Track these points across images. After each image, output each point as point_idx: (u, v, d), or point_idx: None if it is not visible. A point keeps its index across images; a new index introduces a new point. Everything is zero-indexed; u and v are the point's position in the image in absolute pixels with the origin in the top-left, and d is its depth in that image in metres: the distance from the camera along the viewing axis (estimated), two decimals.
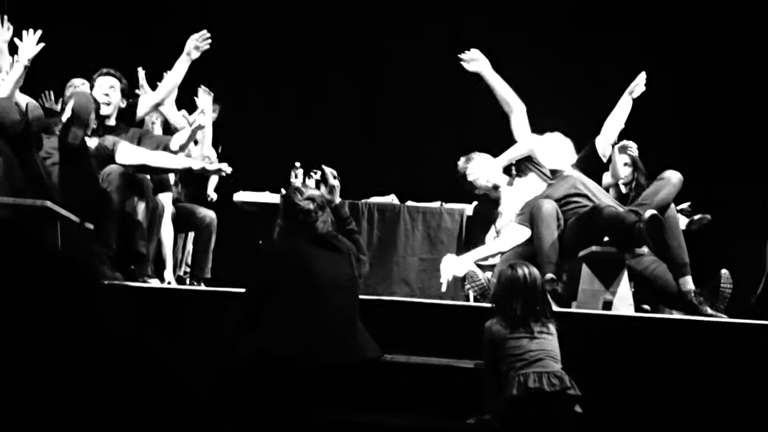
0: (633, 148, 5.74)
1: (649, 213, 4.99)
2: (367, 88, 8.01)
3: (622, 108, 5.69)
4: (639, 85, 5.65)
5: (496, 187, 5.94)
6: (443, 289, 5.47)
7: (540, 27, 7.77)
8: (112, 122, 5.65)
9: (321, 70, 7.91)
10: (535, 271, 4.16)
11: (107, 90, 5.61)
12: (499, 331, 3.97)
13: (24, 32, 5.16)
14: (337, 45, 7.85)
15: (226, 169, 5.29)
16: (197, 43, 5.70)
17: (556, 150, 5.70)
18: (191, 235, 6.41)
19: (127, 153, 5.19)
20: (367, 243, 5.97)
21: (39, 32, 5.17)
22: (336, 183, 4.38)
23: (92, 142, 5.19)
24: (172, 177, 5.93)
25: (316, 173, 5.18)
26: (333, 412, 3.82)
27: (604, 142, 5.71)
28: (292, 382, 3.71)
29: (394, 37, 7.84)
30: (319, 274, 3.90)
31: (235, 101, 7.58)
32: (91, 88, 5.64)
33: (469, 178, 5.91)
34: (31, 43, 5.11)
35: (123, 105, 5.75)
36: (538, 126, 5.92)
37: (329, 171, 4.45)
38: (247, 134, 7.07)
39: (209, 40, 5.73)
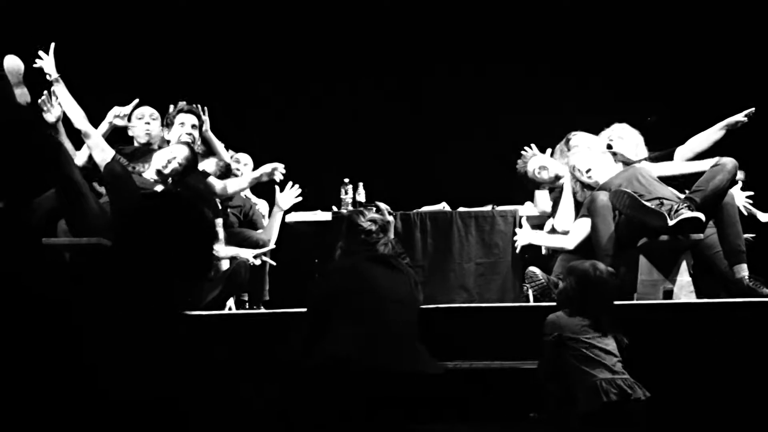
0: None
1: (675, 220, 4.97)
2: (410, 99, 8.02)
3: (714, 134, 5.60)
4: (741, 120, 5.54)
5: (558, 177, 5.95)
6: (517, 251, 5.76)
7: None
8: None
9: (363, 81, 7.90)
10: (606, 269, 4.14)
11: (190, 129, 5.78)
12: (571, 328, 3.93)
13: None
14: (376, 56, 7.85)
15: (281, 168, 5.64)
16: (271, 174, 5.91)
17: (627, 143, 5.72)
18: None
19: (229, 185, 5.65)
20: (422, 252, 6.00)
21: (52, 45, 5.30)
22: (391, 219, 4.42)
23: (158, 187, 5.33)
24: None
25: (370, 209, 5.22)
26: (401, 419, 3.82)
27: (683, 155, 5.65)
28: (361, 389, 3.74)
29: (435, 48, 7.85)
30: (381, 290, 3.93)
31: (277, 117, 7.71)
32: (170, 124, 5.73)
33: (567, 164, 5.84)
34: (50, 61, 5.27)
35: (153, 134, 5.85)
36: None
37: (384, 207, 4.62)
38: (291, 151, 6.99)
39: (282, 173, 5.91)
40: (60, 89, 5.30)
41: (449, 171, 7.56)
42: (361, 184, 6.28)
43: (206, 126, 6.07)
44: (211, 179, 5.75)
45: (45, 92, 5.32)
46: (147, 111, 5.92)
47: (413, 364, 3.81)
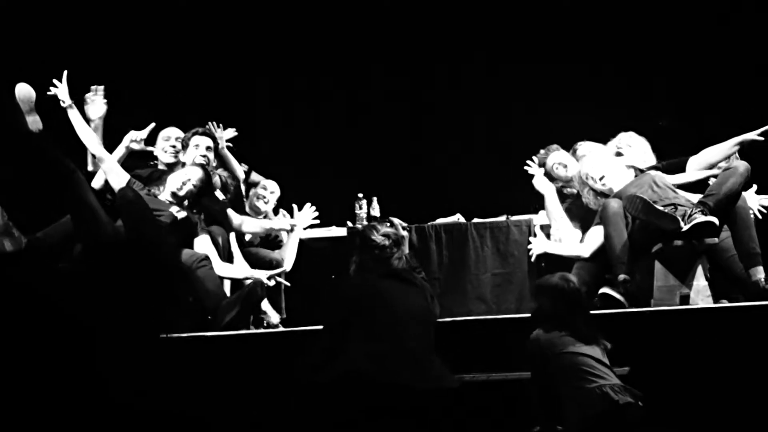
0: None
1: (689, 224, 4.96)
2: (420, 110, 7.91)
3: (728, 148, 5.54)
4: (757, 139, 5.45)
5: (568, 181, 5.94)
6: (533, 259, 5.73)
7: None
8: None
9: (375, 95, 7.82)
10: (576, 279, 4.18)
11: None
12: (553, 343, 3.94)
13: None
14: (383, 67, 7.78)
15: (301, 225, 5.93)
16: (290, 231, 6.00)
17: (635, 151, 5.74)
18: None
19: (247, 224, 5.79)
20: (438, 264, 5.99)
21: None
22: (405, 234, 4.41)
23: (180, 213, 5.35)
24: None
25: (384, 224, 5.25)
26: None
27: (695, 167, 5.61)
28: (376, 404, 3.75)
29: (443, 58, 7.78)
30: (396, 305, 3.92)
31: (286, 135, 7.61)
32: (185, 146, 5.75)
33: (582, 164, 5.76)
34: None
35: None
36: None
37: (397, 222, 4.66)
38: (302, 168, 7.05)
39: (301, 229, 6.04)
40: (73, 115, 5.34)
41: (462, 182, 7.45)
42: (375, 199, 6.25)
43: (222, 143, 6.06)
44: (230, 212, 5.77)
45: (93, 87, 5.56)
46: (173, 133, 5.92)
47: (429, 379, 3.79)
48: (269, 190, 6.33)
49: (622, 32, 7.41)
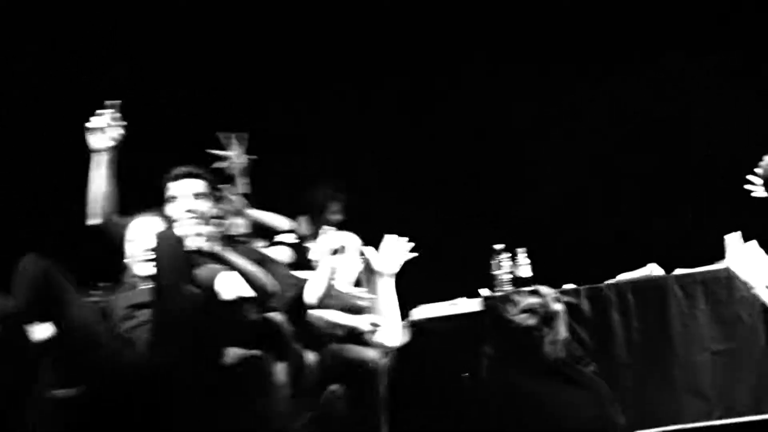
0: None
1: None
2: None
3: None
4: None
5: None
6: None
7: None
8: None
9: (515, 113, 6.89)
10: None
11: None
12: None
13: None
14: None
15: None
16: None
17: None
18: None
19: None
20: (625, 344, 4.91)
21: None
22: (558, 307, 3.58)
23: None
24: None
25: (529, 295, 4.00)
26: None
27: None
28: None
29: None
30: (551, 420, 3.34)
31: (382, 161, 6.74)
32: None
33: None
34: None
35: None
36: None
37: (546, 290, 3.64)
38: (411, 210, 6.02)
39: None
40: None
41: (652, 218, 6.51)
42: (521, 252, 5.22)
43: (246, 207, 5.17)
44: (309, 287, 4.53)
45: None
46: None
47: None
48: (342, 243, 4.96)
49: None
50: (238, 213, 5.21)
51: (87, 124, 4.19)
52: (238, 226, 5.16)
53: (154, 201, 4.45)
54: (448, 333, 4.99)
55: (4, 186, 5.58)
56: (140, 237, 4.10)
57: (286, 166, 6.05)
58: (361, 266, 4.82)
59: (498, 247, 5.23)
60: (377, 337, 4.71)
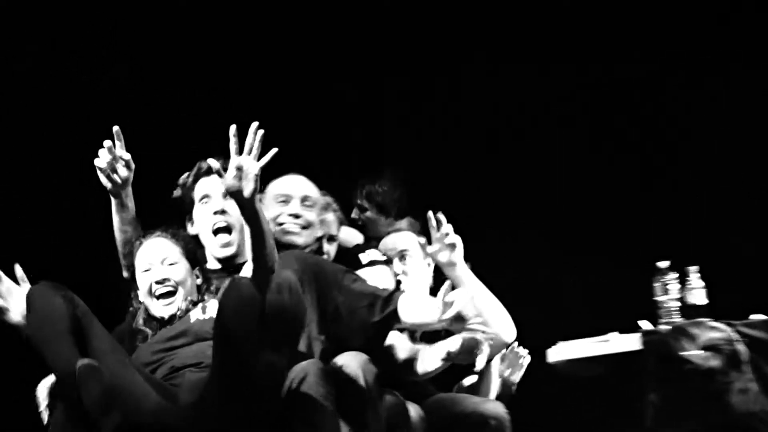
0: None
1: None
2: None
3: None
4: None
5: None
6: None
7: None
8: None
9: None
10: None
11: None
12: None
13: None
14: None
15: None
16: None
17: None
18: None
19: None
20: None
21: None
22: (741, 348, 2.98)
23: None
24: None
25: (709, 327, 3.27)
26: None
27: None
28: None
29: None
30: None
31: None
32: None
33: None
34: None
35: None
36: None
37: (722, 326, 3.11)
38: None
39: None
40: None
41: None
42: (693, 271, 3.83)
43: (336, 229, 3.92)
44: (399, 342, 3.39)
45: None
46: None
47: None
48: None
49: None
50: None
51: (95, 162, 3.38)
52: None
53: (157, 208, 3.68)
54: (597, 379, 3.76)
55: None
56: (155, 263, 3.26)
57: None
58: (430, 267, 3.65)
59: (662, 265, 3.81)
60: (489, 335, 3.34)
